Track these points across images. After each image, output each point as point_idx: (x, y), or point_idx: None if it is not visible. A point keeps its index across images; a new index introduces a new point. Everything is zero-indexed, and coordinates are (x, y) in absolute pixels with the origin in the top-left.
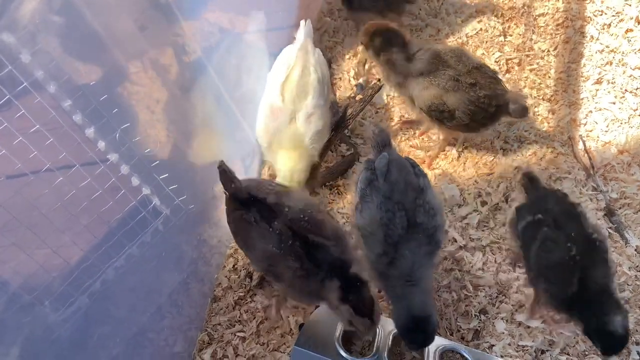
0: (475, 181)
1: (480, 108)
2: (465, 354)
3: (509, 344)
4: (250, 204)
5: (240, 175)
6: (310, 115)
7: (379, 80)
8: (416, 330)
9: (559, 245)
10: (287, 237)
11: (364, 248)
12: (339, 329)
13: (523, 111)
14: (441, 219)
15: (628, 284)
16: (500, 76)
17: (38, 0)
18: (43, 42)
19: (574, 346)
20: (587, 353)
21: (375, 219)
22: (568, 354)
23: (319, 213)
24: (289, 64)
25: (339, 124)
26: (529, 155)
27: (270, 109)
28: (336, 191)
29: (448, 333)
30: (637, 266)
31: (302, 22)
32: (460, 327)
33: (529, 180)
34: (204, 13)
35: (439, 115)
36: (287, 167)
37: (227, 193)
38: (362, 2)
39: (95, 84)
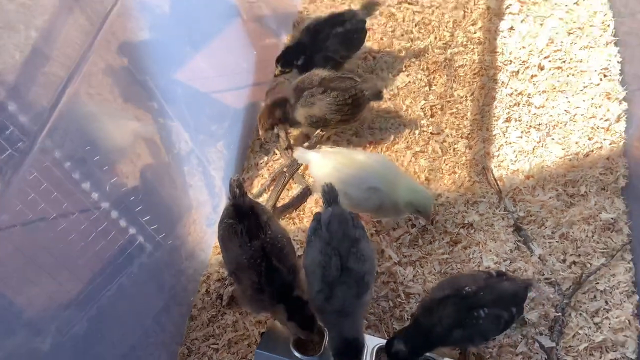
0: None
1: (340, 104)
2: None
3: None
4: (244, 218)
5: (208, 216)
6: None
7: (321, 131)
8: (346, 351)
9: None
10: (257, 255)
11: (308, 284)
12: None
13: (377, 94)
14: (371, 265)
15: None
16: (354, 74)
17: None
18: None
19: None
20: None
21: (316, 260)
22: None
23: (289, 245)
24: None
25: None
26: (450, 184)
27: None
28: (292, 222)
29: (386, 335)
30: (540, 271)
31: None
32: (396, 329)
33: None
34: (175, 77)
35: (319, 124)
36: None
37: (231, 201)
38: (313, 64)
39: (89, 148)
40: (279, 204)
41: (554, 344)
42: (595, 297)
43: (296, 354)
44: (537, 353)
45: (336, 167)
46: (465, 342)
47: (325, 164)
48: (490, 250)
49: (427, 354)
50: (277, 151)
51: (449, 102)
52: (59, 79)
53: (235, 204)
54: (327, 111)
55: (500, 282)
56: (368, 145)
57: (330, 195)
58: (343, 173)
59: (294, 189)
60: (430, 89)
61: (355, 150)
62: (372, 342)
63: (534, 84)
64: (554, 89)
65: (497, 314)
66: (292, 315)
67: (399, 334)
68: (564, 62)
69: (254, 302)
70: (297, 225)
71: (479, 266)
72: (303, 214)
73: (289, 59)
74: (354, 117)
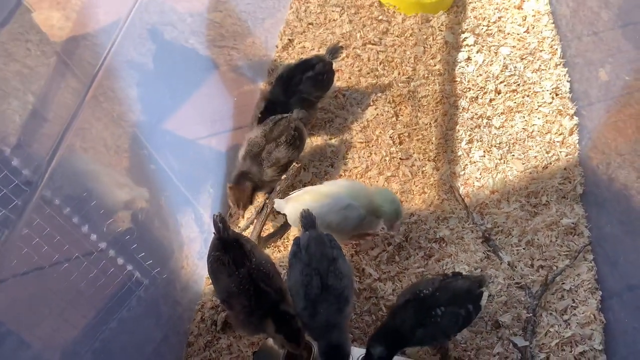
0: (382, 228)
1: (292, 140)
2: None
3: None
4: (229, 249)
5: (199, 250)
6: None
7: (297, 163)
8: (333, 353)
9: None
10: (246, 282)
11: (293, 303)
12: (283, 353)
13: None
14: (348, 280)
15: (504, 290)
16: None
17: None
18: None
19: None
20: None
21: (298, 281)
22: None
23: (273, 268)
24: None
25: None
26: (420, 203)
27: None
28: (277, 250)
29: None
30: (510, 276)
31: None
32: None
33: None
34: (161, 126)
35: (285, 167)
36: None
37: (217, 236)
38: (290, 108)
39: (86, 194)
40: (263, 234)
41: (527, 343)
42: (562, 296)
43: None
44: (513, 352)
45: (308, 205)
46: (429, 341)
47: (297, 208)
48: (462, 261)
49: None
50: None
51: (415, 129)
52: (55, 136)
53: (220, 238)
54: (288, 153)
55: (455, 282)
56: (343, 174)
57: (307, 220)
58: (316, 207)
59: (279, 219)
60: (397, 119)
61: (317, 185)
62: (357, 353)
63: (493, 107)
64: (511, 110)
65: (453, 312)
66: (279, 328)
67: (371, 339)
68: (519, 85)
69: (246, 324)
70: (282, 253)
71: None
72: (287, 241)
73: (267, 115)
74: (302, 142)
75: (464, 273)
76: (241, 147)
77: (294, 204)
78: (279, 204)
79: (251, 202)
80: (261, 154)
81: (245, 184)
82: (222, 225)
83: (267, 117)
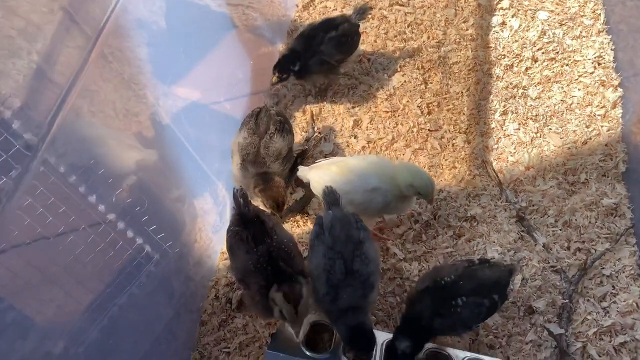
0: None
1: (283, 129)
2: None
3: None
4: (249, 225)
5: (213, 223)
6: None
7: (319, 133)
8: (357, 337)
9: None
10: (264, 261)
11: (314, 288)
12: (302, 334)
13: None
14: (375, 266)
15: (538, 274)
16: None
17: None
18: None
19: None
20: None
21: (320, 265)
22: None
23: (295, 249)
24: None
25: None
26: (450, 179)
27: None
28: (296, 224)
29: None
30: (545, 259)
31: None
32: None
33: None
34: (174, 89)
35: (287, 160)
36: None
37: (237, 211)
38: (309, 68)
39: (93, 162)
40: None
41: (562, 331)
42: (601, 282)
43: (306, 352)
44: (547, 340)
45: (334, 178)
46: (449, 332)
47: (322, 177)
48: (494, 242)
49: (432, 345)
50: None
51: (445, 98)
52: (60, 97)
53: (241, 213)
54: (285, 141)
55: (482, 270)
56: (367, 145)
57: (330, 197)
58: (342, 181)
59: (298, 193)
60: (426, 87)
61: (346, 157)
62: (382, 337)
63: (529, 76)
64: (549, 79)
65: (476, 302)
66: (281, 287)
67: (395, 336)
68: (557, 53)
69: (262, 307)
70: (301, 229)
71: None
72: (307, 217)
73: (285, 65)
74: (289, 124)
75: (491, 260)
76: (232, 158)
77: (318, 172)
78: (302, 170)
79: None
80: (260, 153)
81: (274, 180)
82: (242, 200)
83: (284, 67)
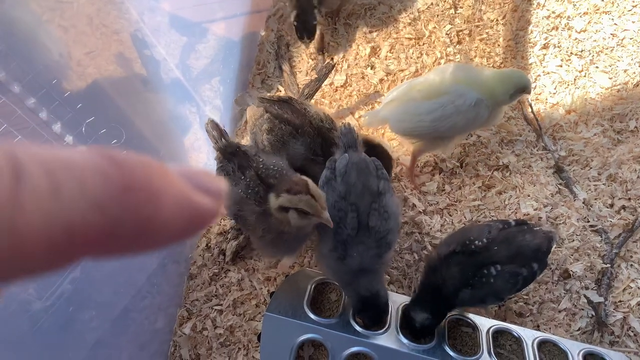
0: None
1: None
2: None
3: None
4: (232, 157)
5: (205, 161)
6: None
7: (332, 59)
8: (368, 306)
9: None
10: (254, 184)
11: (319, 240)
12: (307, 295)
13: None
14: (395, 222)
15: (577, 234)
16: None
17: None
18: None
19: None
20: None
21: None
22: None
23: (289, 170)
24: None
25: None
26: None
27: None
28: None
29: (410, 291)
30: (585, 217)
31: None
32: None
33: None
34: (160, 3)
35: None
36: None
37: (217, 147)
38: None
39: (57, 81)
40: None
41: (602, 299)
42: None
43: (311, 315)
44: (583, 309)
45: (420, 105)
46: (476, 303)
47: (406, 111)
48: (529, 195)
49: (453, 312)
50: (280, 87)
51: (477, 26)
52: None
53: (219, 148)
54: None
55: (521, 235)
56: (385, 78)
57: (347, 137)
58: (435, 107)
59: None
60: (456, 12)
61: (419, 77)
62: (397, 300)
63: (574, 5)
64: (598, 9)
65: (513, 272)
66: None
67: (413, 306)
68: None
69: (265, 242)
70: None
71: (515, 213)
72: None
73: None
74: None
75: (529, 222)
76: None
77: (397, 108)
78: (370, 117)
79: None
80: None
81: None
82: (216, 132)
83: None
